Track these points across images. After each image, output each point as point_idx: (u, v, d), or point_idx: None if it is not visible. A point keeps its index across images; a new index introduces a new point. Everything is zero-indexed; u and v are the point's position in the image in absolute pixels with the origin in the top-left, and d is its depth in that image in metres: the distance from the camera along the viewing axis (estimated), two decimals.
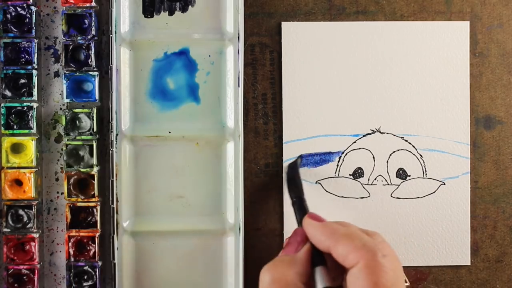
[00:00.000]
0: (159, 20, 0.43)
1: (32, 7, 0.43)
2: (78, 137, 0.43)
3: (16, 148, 0.43)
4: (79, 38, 0.43)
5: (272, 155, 0.45)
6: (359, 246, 0.34)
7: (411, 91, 0.45)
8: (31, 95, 0.43)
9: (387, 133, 0.45)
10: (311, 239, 0.36)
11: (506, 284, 0.46)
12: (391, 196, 0.45)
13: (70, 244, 0.43)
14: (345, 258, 0.34)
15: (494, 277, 0.46)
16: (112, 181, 0.43)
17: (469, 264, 0.46)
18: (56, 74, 0.45)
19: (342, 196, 0.45)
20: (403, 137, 0.45)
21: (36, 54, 0.43)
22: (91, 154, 0.43)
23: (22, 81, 0.43)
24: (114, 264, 0.43)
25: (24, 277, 0.43)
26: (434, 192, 0.45)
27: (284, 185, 0.43)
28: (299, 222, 0.38)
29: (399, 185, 0.45)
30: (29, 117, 0.43)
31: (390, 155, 0.45)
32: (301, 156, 0.45)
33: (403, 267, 0.38)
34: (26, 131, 0.43)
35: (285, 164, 0.45)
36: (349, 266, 0.34)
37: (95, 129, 0.43)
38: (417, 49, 0.45)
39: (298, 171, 0.43)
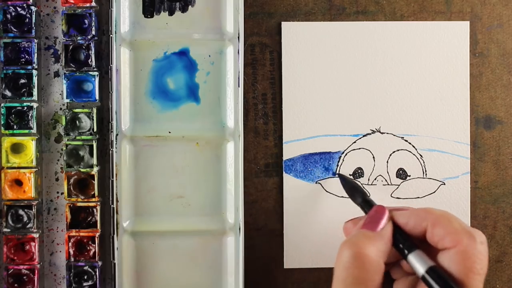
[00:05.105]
0: (159, 20, 0.43)
1: (32, 7, 0.43)
2: (78, 137, 0.43)
3: (16, 148, 0.43)
4: (79, 38, 0.43)
5: (272, 155, 0.45)
6: (459, 230, 0.33)
7: (411, 91, 0.45)
8: (31, 95, 0.43)
9: (387, 133, 0.45)
10: (405, 226, 0.35)
11: (506, 284, 0.46)
12: (391, 196, 0.45)
13: (70, 244, 0.43)
14: (441, 239, 0.33)
15: (494, 277, 0.46)
16: (112, 181, 0.43)
17: None
18: (56, 74, 0.45)
19: (342, 196, 0.45)
20: (403, 137, 0.45)
21: (36, 54, 0.43)
22: (91, 154, 0.43)
23: (22, 81, 0.43)
24: (114, 264, 0.43)
25: (24, 277, 0.43)
26: (434, 192, 0.45)
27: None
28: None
29: (399, 185, 0.45)
30: (29, 117, 0.43)
31: (390, 155, 0.45)
32: (338, 174, 0.45)
33: None
34: (26, 131, 0.43)
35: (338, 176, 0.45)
36: (442, 247, 0.33)
37: (95, 129, 0.43)
38: (417, 49, 0.45)
39: (349, 180, 0.43)
